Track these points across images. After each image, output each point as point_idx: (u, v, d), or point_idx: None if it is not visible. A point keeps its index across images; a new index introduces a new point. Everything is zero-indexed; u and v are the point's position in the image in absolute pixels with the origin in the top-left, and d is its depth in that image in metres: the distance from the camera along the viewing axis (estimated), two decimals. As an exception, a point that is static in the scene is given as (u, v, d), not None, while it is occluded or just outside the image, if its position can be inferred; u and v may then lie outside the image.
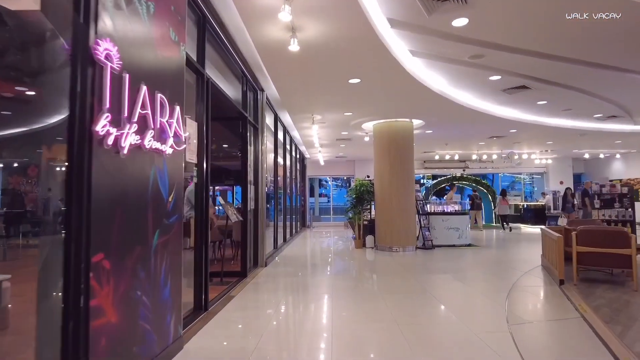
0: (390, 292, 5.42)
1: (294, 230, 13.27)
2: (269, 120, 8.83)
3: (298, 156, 15.62)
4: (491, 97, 8.44)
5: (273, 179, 9.27)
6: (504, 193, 15.15)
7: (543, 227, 7.22)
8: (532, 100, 8.58)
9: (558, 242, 5.49)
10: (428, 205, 10.87)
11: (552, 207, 16.31)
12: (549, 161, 18.01)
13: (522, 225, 17.42)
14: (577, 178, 19.07)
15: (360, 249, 10.15)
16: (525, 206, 17.68)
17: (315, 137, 11.05)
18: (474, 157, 16.34)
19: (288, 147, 12.46)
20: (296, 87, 7.05)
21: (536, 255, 8.38)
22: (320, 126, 10.44)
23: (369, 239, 10.30)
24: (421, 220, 10.26)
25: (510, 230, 14.25)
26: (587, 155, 16.55)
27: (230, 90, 6.05)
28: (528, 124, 10.43)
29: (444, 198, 13.26)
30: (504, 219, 14.62)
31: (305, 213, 18.66)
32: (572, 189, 13.12)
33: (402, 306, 4.66)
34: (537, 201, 17.65)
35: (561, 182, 18.19)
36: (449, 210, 10.87)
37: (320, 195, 27.49)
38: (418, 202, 10.40)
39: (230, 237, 7.52)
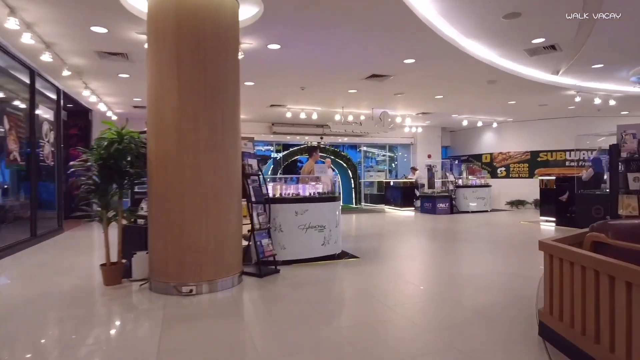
0: None
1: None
2: None
3: (57, 98, 8.61)
4: None
5: None
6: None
7: (551, 242, 2.72)
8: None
9: None
10: (270, 186, 5.72)
11: (426, 185, 13.17)
12: (419, 130, 14.94)
13: (386, 207, 14.03)
14: (444, 152, 16.66)
15: (114, 288, 4.37)
16: (392, 184, 14.25)
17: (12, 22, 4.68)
18: (337, 117, 11.92)
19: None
20: None
21: (477, 276, 4.06)
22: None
23: (139, 259, 4.60)
24: (255, 214, 5.05)
25: None
26: (465, 122, 13.83)
27: None
28: (438, 46, 6.10)
29: (300, 172, 8.29)
30: None
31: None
32: None
33: None
34: (405, 177, 14.40)
35: (429, 156, 15.41)
36: (306, 195, 5.90)
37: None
38: (248, 177, 5.13)
39: None
